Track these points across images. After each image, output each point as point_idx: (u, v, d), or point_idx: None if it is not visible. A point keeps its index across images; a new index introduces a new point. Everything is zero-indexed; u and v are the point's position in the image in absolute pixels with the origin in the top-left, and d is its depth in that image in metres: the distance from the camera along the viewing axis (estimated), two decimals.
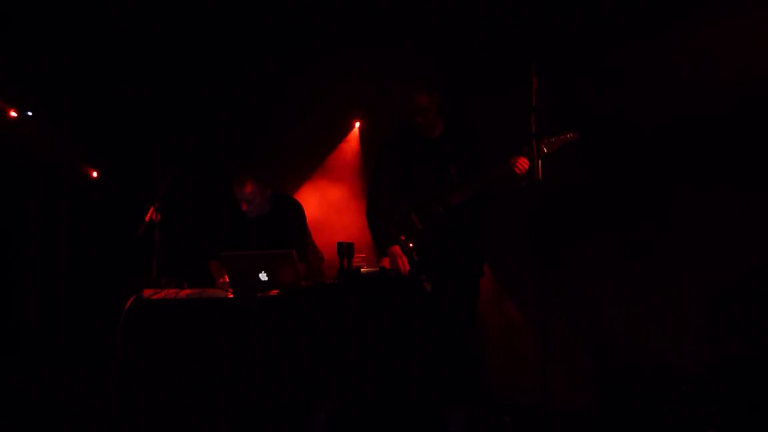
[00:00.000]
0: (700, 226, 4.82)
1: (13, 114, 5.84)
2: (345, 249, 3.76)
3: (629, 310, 4.96)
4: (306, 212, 5.04)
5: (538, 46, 4.92)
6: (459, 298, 4.07)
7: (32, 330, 5.86)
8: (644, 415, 4.17)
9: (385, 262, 4.18)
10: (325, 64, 5.96)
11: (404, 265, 4.06)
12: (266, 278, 3.85)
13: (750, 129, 4.75)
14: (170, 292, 3.94)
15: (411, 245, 4.05)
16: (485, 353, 5.19)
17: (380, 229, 4.27)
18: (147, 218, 4.19)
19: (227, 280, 4.06)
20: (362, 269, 3.74)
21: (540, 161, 3.65)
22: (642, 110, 4.96)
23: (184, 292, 3.96)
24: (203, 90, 6.29)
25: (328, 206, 6.32)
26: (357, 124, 6.55)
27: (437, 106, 4.20)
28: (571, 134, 4.05)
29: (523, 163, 4.00)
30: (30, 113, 5.91)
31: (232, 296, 3.95)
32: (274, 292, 3.83)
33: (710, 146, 4.82)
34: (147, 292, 3.93)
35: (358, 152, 6.47)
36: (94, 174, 6.31)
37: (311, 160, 6.54)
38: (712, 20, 4.78)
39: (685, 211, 4.89)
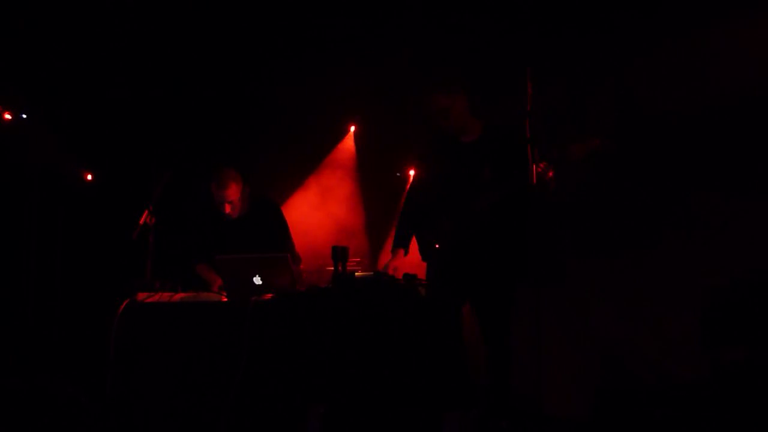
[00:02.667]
0: (695, 232, 4.81)
1: (8, 116, 5.84)
2: (340, 253, 3.74)
3: (625, 315, 4.95)
4: (301, 215, 5.03)
5: (534, 51, 4.92)
6: (492, 303, 4.02)
7: (26, 332, 5.84)
8: (639, 420, 4.16)
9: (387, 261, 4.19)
10: (323, 69, 5.97)
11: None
12: (260, 282, 3.84)
13: (746, 135, 4.75)
14: (164, 296, 3.93)
15: (437, 247, 4.01)
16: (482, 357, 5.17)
17: (399, 231, 4.29)
18: (141, 221, 4.17)
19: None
20: (357, 273, 3.74)
21: (535, 167, 3.61)
22: (634, 117, 4.96)
23: (178, 296, 3.95)
24: (200, 94, 6.29)
25: (324, 209, 6.31)
26: (352, 128, 6.55)
27: (465, 108, 4.10)
28: (597, 141, 3.82)
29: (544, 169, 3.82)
30: (25, 116, 5.91)
31: (226, 300, 3.94)
32: (269, 295, 3.82)
33: (707, 152, 4.82)
34: (141, 296, 3.92)
35: (354, 155, 6.48)
36: (89, 177, 6.30)
37: (307, 163, 6.55)
38: (711, 21, 4.78)
39: (681, 216, 4.88)
